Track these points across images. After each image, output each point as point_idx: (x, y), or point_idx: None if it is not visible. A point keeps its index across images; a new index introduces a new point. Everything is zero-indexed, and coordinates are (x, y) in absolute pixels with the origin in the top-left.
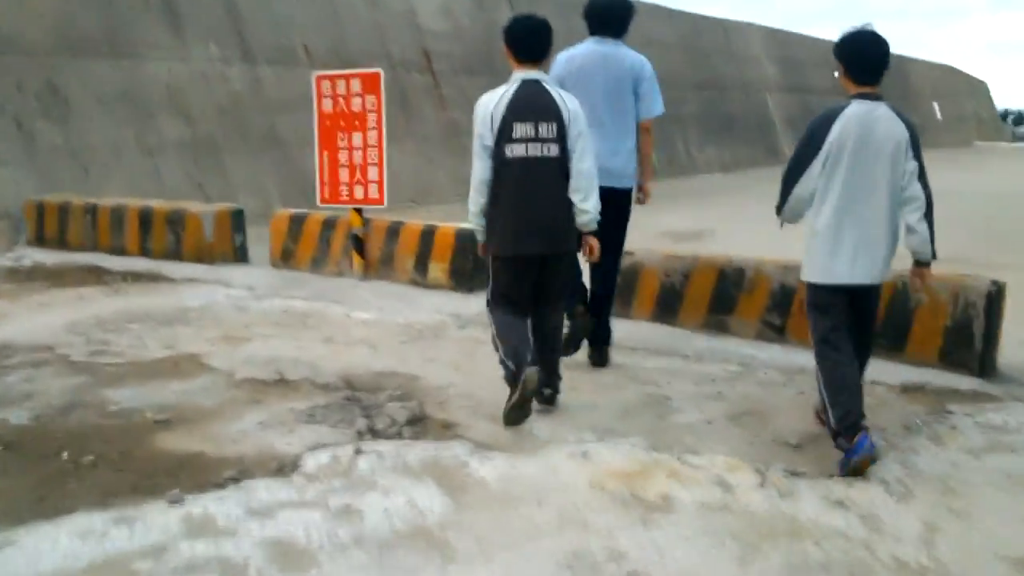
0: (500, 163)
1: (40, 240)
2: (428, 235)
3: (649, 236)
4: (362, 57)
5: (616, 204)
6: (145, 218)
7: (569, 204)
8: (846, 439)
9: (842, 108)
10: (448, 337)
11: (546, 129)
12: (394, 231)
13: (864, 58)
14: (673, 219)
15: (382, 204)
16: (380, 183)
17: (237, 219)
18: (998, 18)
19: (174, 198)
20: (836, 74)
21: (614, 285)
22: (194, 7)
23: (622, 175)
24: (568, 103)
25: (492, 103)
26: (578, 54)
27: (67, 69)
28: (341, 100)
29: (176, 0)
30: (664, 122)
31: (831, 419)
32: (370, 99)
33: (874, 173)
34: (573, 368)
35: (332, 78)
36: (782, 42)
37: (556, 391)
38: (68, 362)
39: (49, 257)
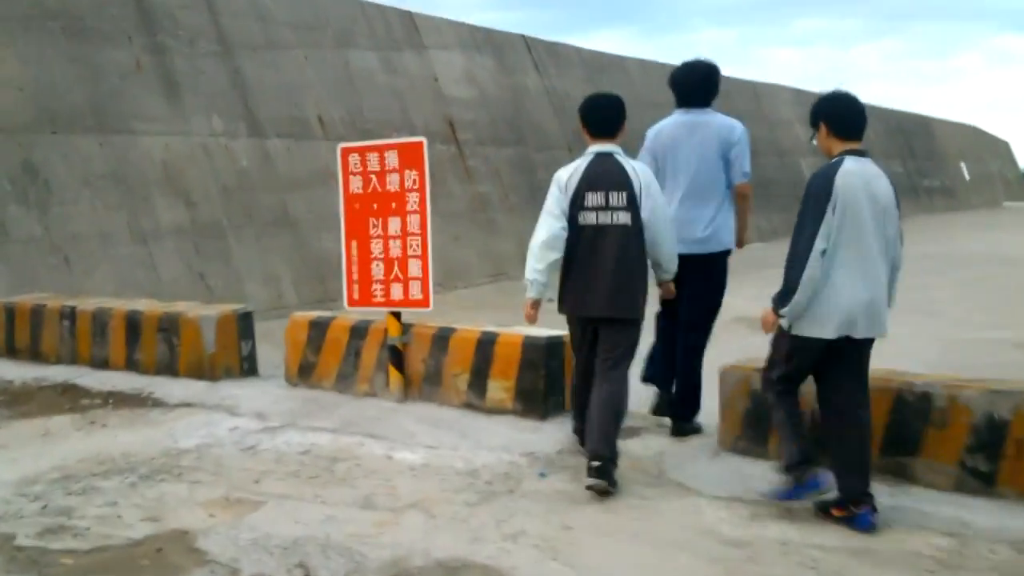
0: (573, 229)
1: (10, 350)
2: (487, 345)
3: (720, 323)
4: (381, 127)
5: (709, 270)
6: (133, 324)
7: (635, 271)
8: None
9: (838, 165)
10: (528, 492)
11: (616, 198)
12: (442, 340)
13: (850, 114)
14: (738, 301)
15: (427, 307)
16: (424, 280)
17: (244, 324)
18: (994, 76)
19: (172, 291)
20: (813, 140)
21: (701, 350)
22: (194, 75)
23: (714, 241)
24: (640, 174)
25: (568, 174)
26: (665, 127)
27: (47, 146)
28: (374, 178)
29: (173, 67)
30: None
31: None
32: (411, 175)
33: (880, 230)
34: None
35: (362, 151)
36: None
37: (604, 466)
38: (11, 549)
39: (17, 373)
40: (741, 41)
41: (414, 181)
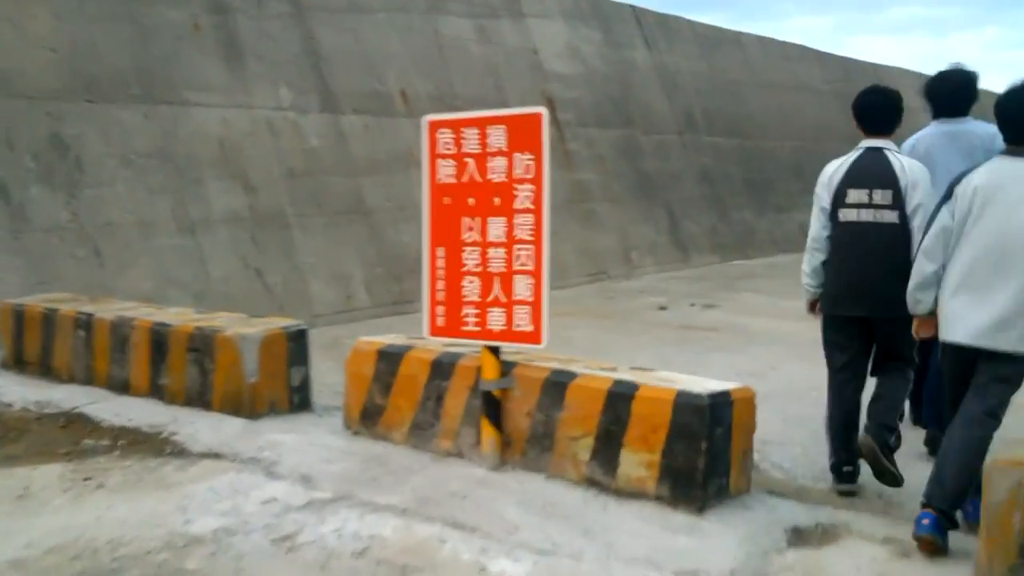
0: (834, 226)
1: (18, 362)
2: (621, 400)
3: None
4: (472, 104)
5: None
6: (158, 340)
7: (903, 270)
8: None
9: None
10: None
11: (881, 196)
12: (556, 387)
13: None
14: None
15: (538, 343)
16: (536, 306)
17: (296, 345)
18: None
19: (223, 290)
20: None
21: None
22: (259, 38)
23: None
24: (909, 172)
25: (833, 169)
26: (922, 139)
27: (81, 118)
28: (471, 163)
29: (236, 29)
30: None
31: None
32: (523, 160)
33: None
34: None
35: (456, 124)
36: None
37: (889, 449)
38: None
39: (20, 393)
40: (835, 29)
41: (528, 168)
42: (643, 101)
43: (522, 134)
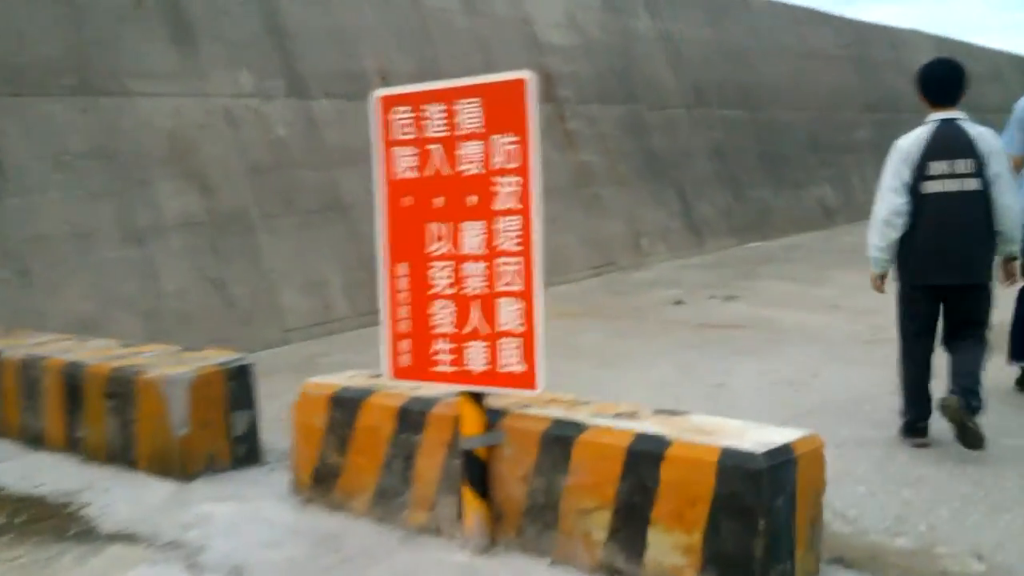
0: (917, 199)
1: None
2: (644, 462)
3: None
4: None
5: None
6: (73, 384)
7: (986, 237)
8: None
9: None
10: None
11: (963, 166)
12: (560, 444)
13: None
14: None
15: (532, 388)
16: (528, 338)
17: (239, 384)
18: None
19: (179, 307)
20: None
21: None
22: (214, 16)
23: None
24: (987, 140)
25: (909, 143)
26: None
27: (3, 114)
28: (436, 151)
29: (187, 6)
30: (835, 151)
31: None
32: (504, 144)
33: None
34: None
35: (415, 100)
36: (954, 53)
37: (970, 433)
38: None
39: None
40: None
41: (511, 155)
42: (647, 73)
43: (502, 109)
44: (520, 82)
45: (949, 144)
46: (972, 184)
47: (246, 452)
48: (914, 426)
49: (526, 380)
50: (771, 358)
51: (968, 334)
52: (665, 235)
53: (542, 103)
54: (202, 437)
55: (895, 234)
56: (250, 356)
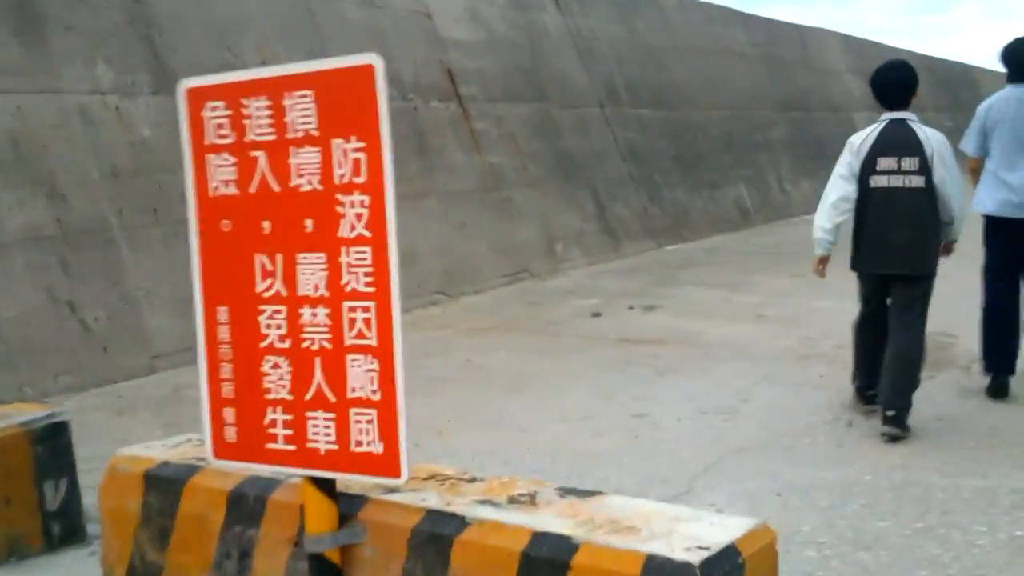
0: (865, 192)
1: None
2: (543, 570)
3: None
4: None
5: None
6: None
7: (928, 230)
8: None
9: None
10: None
11: (909, 163)
12: (434, 544)
13: None
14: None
15: (395, 476)
16: (387, 409)
17: (50, 447)
18: (991, 28)
19: (22, 335)
20: None
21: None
22: (70, 5)
23: None
24: (932, 139)
25: (860, 139)
26: (996, 102)
27: None
28: (261, 159)
29: None
30: (751, 150)
31: None
32: (349, 150)
33: None
34: None
35: (233, 92)
36: (861, 52)
37: (899, 415)
38: None
39: None
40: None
41: (358, 165)
42: (557, 71)
43: (345, 105)
44: (367, 69)
45: (897, 142)
46: (917, 181)
47: (63, 530)
48: (864, 393)
49: (385, 464)
50: (697, 379)
51: (908, 320)
52: (580, 239)
53: (445, 102)
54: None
55: (840, 218)
56: (106, 390)
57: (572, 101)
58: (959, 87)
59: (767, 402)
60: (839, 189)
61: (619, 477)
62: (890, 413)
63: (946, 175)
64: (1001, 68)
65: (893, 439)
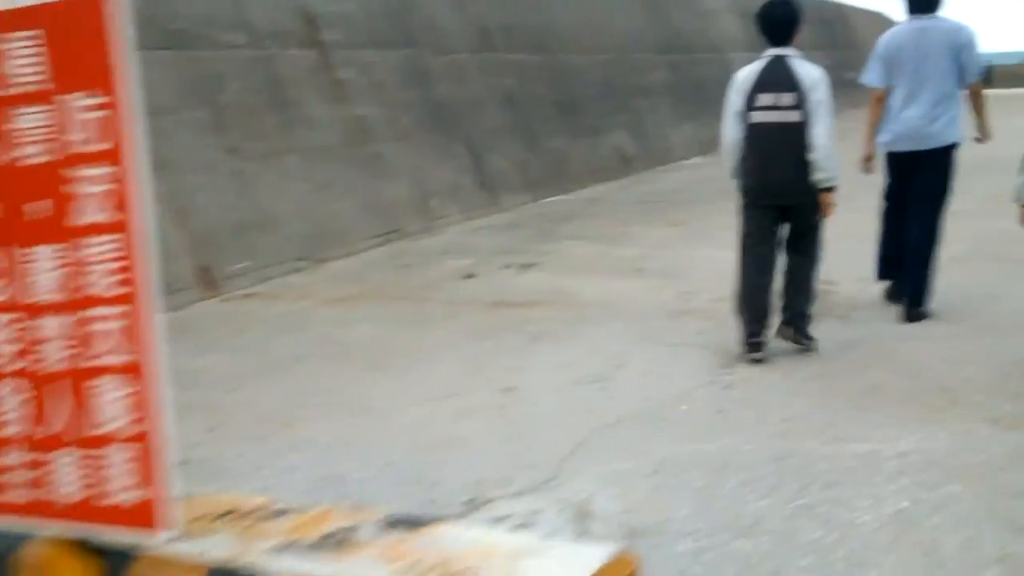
0: (747, 127)
1: None
2: None
3: None
4: (201, 28)
5: (935, 163)
6: None
7: (805, 163)
8: None
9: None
10: None
11: (787, 99)
12: None
13: None
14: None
15: (158, 529)
16: (146, 446)
17: None
18: None
19: None
20: None
21: (930, 241)
22: None
23: (938, 137)
24: (810, 75)
25: (743, 76)
26: (896, 33)
27: None
28: None
29: None
30: (630, 96)
31: None
32: (85, 110)
33: None
34: None
35: None
36: None
37: (801, 335)
38: None
39: None
40: None
41: (96, 128)
42: (428, 14)
43: (78, 50)
44: (96, 4)
45: (777, 78)
46: (793, 116)
47: None
48: (749, 341)
49: (143, 514)
50: (572, 344)
51: (802, 247)
52: (456, 194)
53: (303, 49)
54: None
55: (735, 159)
56: None
57: (445, 47)
58: (834, 25)
59: (643, 366)
60: (726, 134)
61: (482, 464)
62: (790, 329)
63: (814, 111)
64: (871, 6)
65: (799, 345)
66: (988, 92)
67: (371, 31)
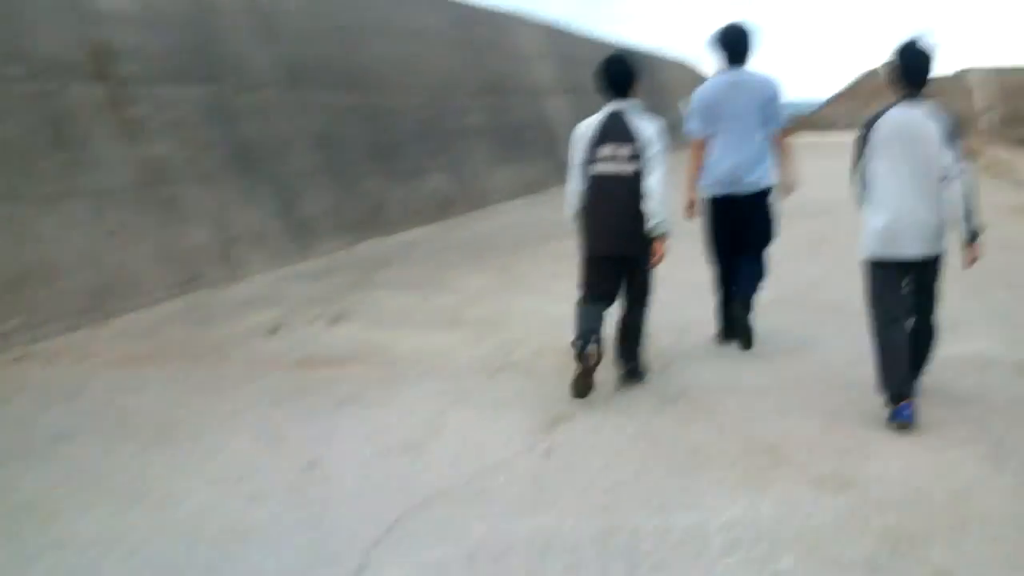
0: (588, 178)
1: None
2: None
3: None
4: None
5: (756, 208)
6: None
7: (641, 214)
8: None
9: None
10: None
11: (625, 150)
12: None
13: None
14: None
15: None
16: None
17: None
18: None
19: None
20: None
21: (755, 280)
22: None
23: (756, 183)
24: (646, 128)
25: (584, 129)
26: (711, 85)
27: None
28: None
29: None
30: (449, 138)
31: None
32: None
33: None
34: None
35: None
36: (555, 38)
37: (634, 374)
38: None
39: None
40: None
41: None
42: (233, 49)
43: None
44: None
45: (616, 131)
46: (630, 168)
47: None
48: (574, 385)
49: None
50: (382, 408)
51: (635, 296)
52: (263, 240)
53: (92, 84)
54: None
55: (576, 208)
56: None
57: (251, 83)
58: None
59: (459, 431)
60: (570, 184)
61: (277, 559)
62: (624, 371)
63: (650, 161)
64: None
65: (630, 384)
66: (794, 139)
67: (169, 65)
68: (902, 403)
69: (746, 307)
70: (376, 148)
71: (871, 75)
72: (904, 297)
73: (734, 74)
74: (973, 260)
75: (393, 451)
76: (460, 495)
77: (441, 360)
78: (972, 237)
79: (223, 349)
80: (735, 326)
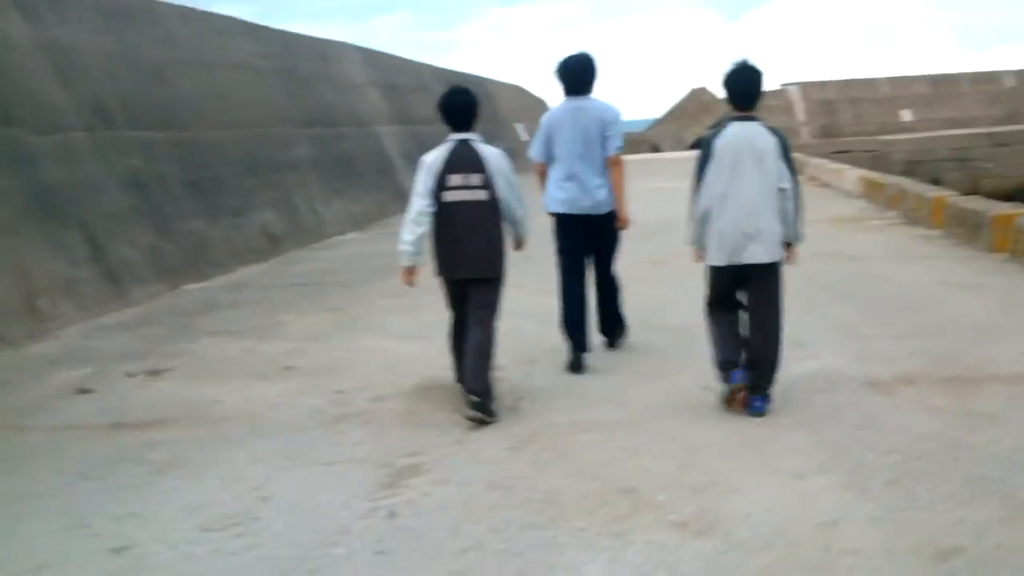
0: (439, 205)
1: None
2: None
3: None
4: None
5: (602, 226)
6: None
7: (494, 237)
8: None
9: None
10: None
11: (475, 179)
12: None
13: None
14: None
15: None
16: None
17: None
18: (496, 43)
19: None
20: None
21: (613, 287)
22: None
23: (599, 205)
24: (492, 158)
25: (432, 158)
26: (555, 113)
27: None
28: None
29: None
30: (275, 171)
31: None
32: None
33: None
34: None
35: None
36: (383, 66)
37: (483, 400)
38: None
39: None
40: (258, 15)
41: None
42: (28, 90)
43: None
44: None
45: (464, 160)
46: (481, 195)
47: None
48: (469, 411)
49: None
50: (205, 475)
51: (482, 318)
52: (72, 290)
53: None
54: None
55: (421, 230)
56: None
57: (51, 125)
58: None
59: (291, 496)
60: (417, 205)
61: None
62: (475, 399)
63: (506, 187)
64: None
65: (480, 423)
66: (624, 167)
67: None
68: (733, 371)
69: (616, 320)
70: (195, 186)
71: (697, 93)
72: (739, 302)
73: (576, 101)
74: (790, 262)
75: (217, 526)
76: (292, 574)
77: (272, 414)
78: (794, 242)
79: (24, 416)
80: (607, 318)
